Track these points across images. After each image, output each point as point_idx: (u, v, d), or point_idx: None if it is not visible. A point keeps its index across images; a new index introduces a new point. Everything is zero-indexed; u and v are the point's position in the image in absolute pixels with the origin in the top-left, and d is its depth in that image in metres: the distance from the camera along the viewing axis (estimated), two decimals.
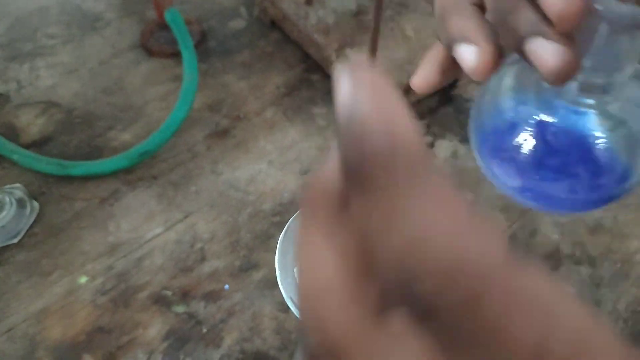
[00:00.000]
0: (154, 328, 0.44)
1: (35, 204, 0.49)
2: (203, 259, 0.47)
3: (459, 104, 0.59)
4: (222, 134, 0.56)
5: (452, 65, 0.24)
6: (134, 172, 0.52)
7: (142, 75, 0.60)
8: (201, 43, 0.62)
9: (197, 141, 0.55)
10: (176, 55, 0.60)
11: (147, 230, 0.49)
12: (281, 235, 0.30)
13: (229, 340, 0.44)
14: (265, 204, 0.51)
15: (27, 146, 0.53)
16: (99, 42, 0.63)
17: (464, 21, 0.22)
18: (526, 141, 0.22)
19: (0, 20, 0.65)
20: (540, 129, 0.22)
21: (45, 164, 0.50)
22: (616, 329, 0.45)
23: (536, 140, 0.22)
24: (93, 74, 0.60)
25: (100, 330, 0.43)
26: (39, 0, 0.68)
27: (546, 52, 0.19)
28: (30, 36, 0.63)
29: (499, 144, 0.23)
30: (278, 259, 0.28)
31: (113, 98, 0.58)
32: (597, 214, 0.52)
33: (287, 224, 0.30)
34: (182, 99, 0.53)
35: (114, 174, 0.52)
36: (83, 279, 0.46)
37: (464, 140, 0.56)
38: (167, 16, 0.58)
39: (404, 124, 0.12)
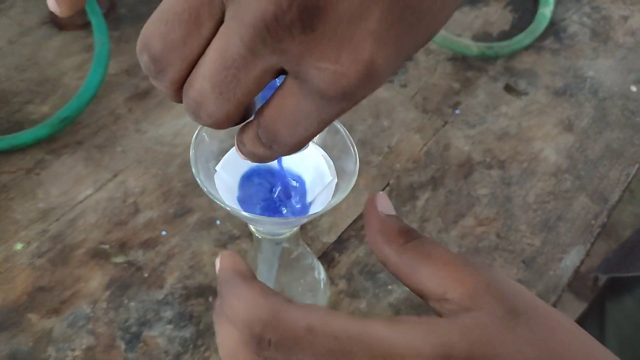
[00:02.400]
0: (95, 280, 0.45)
1: None
2: (137, 212, 0.49)
3: None
4: (142, 95, 0.57)
5: None
6: (58, 141, 0.52)
7: (54, 49, 0.60)
8: (111, 11, 0.63)
9: (118, 104, 0.56)
10: (87, 25, 0.61)
11: (77, 192, 0.50)
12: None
13: (171, 279, 0.45)
14: None
15: None
16: (5, 23, 0.62)
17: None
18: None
19: None
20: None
21: None
22: (527, 218, 0.50)
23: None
24: (3, 54, 0.59)
25: (41, 289, 0.44)
26: None
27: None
28: None
29: None
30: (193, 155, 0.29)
31: (27, 74, 0.58)
32: (502, 123, 0.56)
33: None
34: (96, 63, 0.53)
35: (37, 144, 0.52)
36: (18, 246, 0.46)
37: None
38: None
39: None
